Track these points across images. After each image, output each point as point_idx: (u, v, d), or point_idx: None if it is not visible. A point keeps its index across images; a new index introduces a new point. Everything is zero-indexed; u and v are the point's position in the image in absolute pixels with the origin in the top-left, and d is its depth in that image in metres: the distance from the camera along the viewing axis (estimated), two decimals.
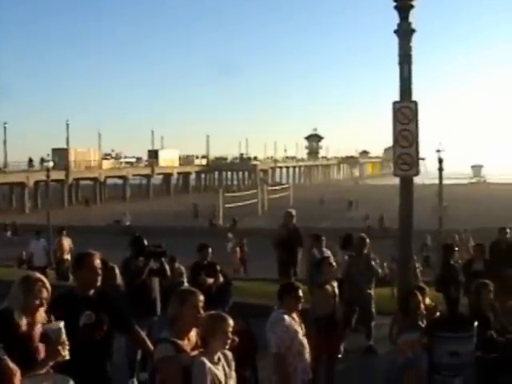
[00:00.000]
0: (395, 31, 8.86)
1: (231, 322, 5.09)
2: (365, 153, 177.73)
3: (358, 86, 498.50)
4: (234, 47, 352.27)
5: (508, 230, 12.96)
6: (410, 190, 9.02)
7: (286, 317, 6.60)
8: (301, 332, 6.76)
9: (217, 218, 52.19)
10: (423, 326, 7.77)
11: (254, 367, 8.36)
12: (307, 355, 6.84)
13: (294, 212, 14.48)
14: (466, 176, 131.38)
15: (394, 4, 8.83)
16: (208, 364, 4.79)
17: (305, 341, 6.82)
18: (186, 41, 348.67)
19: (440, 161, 37.78)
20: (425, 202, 42.75)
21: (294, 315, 6.76)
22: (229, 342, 5.05)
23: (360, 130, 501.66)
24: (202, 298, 5.09)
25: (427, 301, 8.72)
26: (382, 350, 10.26)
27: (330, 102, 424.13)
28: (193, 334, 5.04)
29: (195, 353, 4.90)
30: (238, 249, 25.63)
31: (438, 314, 8.73)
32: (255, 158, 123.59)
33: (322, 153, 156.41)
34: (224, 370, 4.98)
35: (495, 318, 8.33)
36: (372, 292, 11.46)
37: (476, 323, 7.57)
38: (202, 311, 5.03)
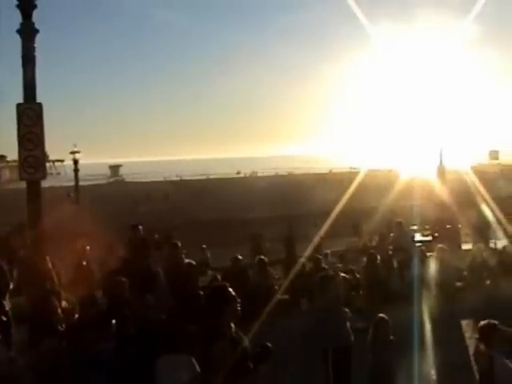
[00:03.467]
0: (18, 31, 8.59)
1: None
2: (2, 157, 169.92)
3: None
4: None
5: (140, 227, 13.31)
6: (38, 193, 8.79)
7: None
8: None
9: None
10: (62, 329, 7.73)
11: None
12: None
13: None
14: (104, 176, 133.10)
15: (17, 3, 8.59)
16: None
17: None
18: None
19: (75, 162, 37.77)
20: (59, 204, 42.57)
21: None
22: None
23: None
24: None
25: (64, 304, 8.68)
26: None
27: None
28: None
29: None
30: None
31: (76, 316, 8.74)
32: None
33: None
34: None
35: (134, 314, 8.63)
36: None
37: (114, 321, 7.78)
38: None
